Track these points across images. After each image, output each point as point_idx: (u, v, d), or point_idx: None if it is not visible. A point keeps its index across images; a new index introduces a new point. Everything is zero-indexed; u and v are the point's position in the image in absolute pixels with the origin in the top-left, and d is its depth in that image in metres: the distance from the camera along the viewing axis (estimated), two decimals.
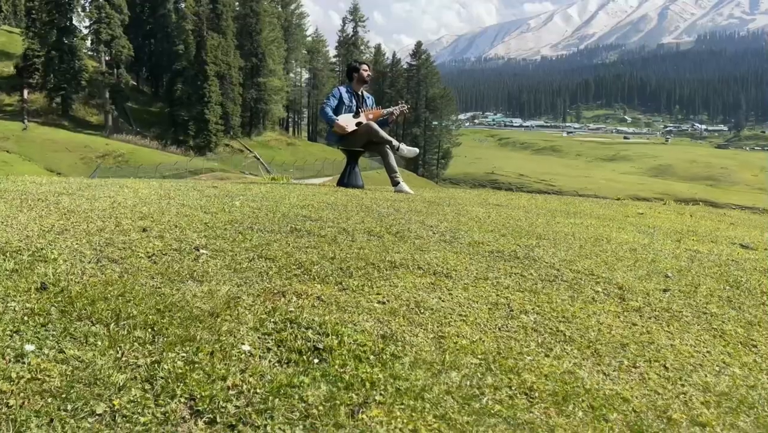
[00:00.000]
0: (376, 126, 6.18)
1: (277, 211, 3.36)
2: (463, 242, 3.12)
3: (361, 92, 6.47)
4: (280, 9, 68.70)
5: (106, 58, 54.44)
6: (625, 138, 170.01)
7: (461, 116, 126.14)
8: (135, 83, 64.36)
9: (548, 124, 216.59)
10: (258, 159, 55.17)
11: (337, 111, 6.24)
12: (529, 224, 4.14)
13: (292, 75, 73.43)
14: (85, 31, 53.20)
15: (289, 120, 76.13)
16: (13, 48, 54.72)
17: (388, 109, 6.45)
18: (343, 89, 6.40)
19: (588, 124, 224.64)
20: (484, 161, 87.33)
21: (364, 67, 6.47)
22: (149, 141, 51.40)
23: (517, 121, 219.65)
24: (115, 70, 54.26)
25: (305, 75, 76.76)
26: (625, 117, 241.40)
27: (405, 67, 75.46)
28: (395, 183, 6.07)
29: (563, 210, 5.62)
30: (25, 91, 51.00)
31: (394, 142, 6.18)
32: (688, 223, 5.65)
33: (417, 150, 6.48)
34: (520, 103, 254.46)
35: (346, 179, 6.34)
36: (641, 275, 2.84)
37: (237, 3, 59.92)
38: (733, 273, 3.14)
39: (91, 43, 55.59)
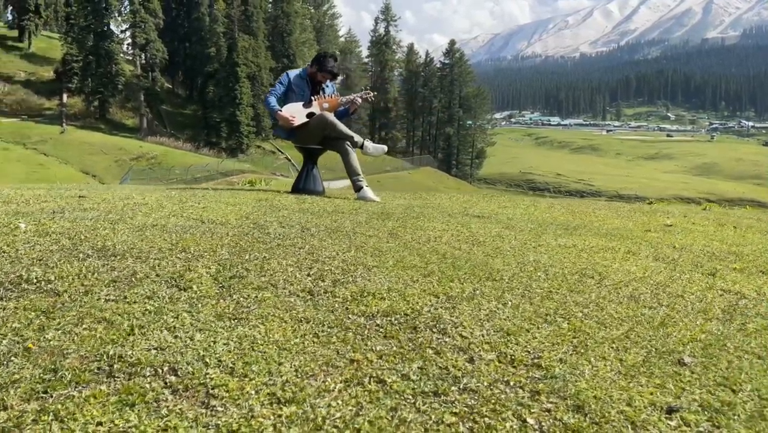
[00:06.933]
0: (332, 117, 5.12)
1: None
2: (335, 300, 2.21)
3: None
4: (312, 10, 68.57)
5: (142, 62, 55.22)
6: (668, 136, 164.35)
7: (497, 115, 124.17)
8: (170, 86, 65.20)
9: (587, 123, 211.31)
10: (289, 160, 55.03)
11: (287, 100, 5.19)
12: (493, 248, 3.17)
13: None
14: (122, 36, 54.06)
15: None
16: (53, 53, 55.96)
17: (347, 97, 5.30)
18: (293, 74, 5.32)
19: (629, 122, 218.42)
20: (520, 160, 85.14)
21: (331, 63, 5.23)
22: (182, 143, 51.78)
23: (555, 119, 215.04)
24: (150, 73, 54.96)
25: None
26: (668, 114, 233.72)
27: (438, 66, 74.21)
28: (357, 189, 5.13)
29: (563, 223, 4.57)
30: (64, 95, 52.05)
31: (357, 138, 5.15)
32: (731, 239, 4.33)
33: (385, 147, 5.30)
34: (557, 102, 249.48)
35: (302, 184, 5.35)
36: (637, 363, 1.72)
37: (269, 5, 60.02)
38: None
39: (127, 48, 56.50)
